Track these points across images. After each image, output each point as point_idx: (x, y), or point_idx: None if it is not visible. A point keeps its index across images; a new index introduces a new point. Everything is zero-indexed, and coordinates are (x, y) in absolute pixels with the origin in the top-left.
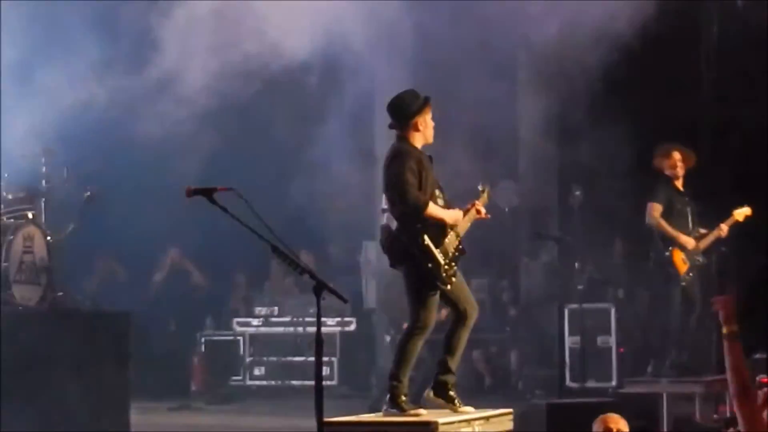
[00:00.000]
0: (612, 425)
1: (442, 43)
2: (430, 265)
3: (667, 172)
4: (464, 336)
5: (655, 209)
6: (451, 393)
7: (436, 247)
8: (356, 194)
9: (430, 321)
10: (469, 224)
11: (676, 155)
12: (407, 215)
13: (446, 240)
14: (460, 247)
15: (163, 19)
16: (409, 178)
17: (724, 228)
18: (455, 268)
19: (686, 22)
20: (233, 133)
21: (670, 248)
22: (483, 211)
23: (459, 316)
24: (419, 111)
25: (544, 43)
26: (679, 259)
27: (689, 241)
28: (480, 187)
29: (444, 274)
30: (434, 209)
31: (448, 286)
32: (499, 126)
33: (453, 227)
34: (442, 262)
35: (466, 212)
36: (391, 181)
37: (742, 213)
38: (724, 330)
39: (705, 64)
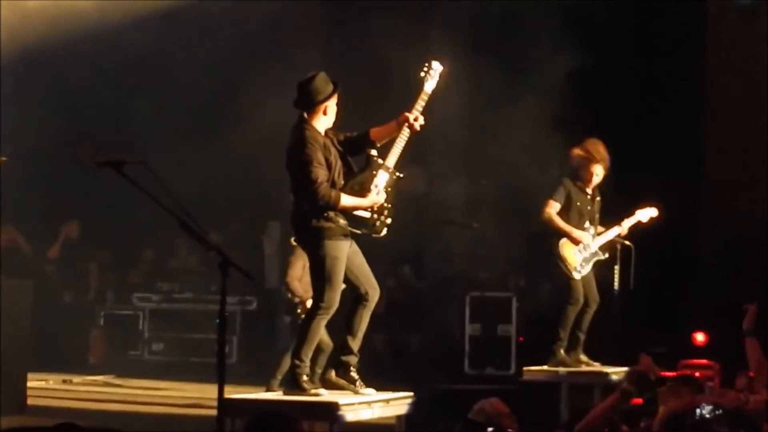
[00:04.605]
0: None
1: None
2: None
3: (584, 172)
4: (366, 317)
5: (550, 206)
6: (353, 374)
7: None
8: (261, 173)
9: (334, 301)
10: (403, 144)
11: (599, 169)
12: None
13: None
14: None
15: None
16: (320, 175)
17: (624, 226)
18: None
19: None
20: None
21: (560, 242)
22: (419, 118)
23: (360, 298)
24: (329, 98)
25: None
26: (569, 252)
27: (582, 236)
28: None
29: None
30: (347, 201)
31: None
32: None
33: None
34: (360, 232)
35: (394, 128)
36: (299, 170)
37: (646, 214)
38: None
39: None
